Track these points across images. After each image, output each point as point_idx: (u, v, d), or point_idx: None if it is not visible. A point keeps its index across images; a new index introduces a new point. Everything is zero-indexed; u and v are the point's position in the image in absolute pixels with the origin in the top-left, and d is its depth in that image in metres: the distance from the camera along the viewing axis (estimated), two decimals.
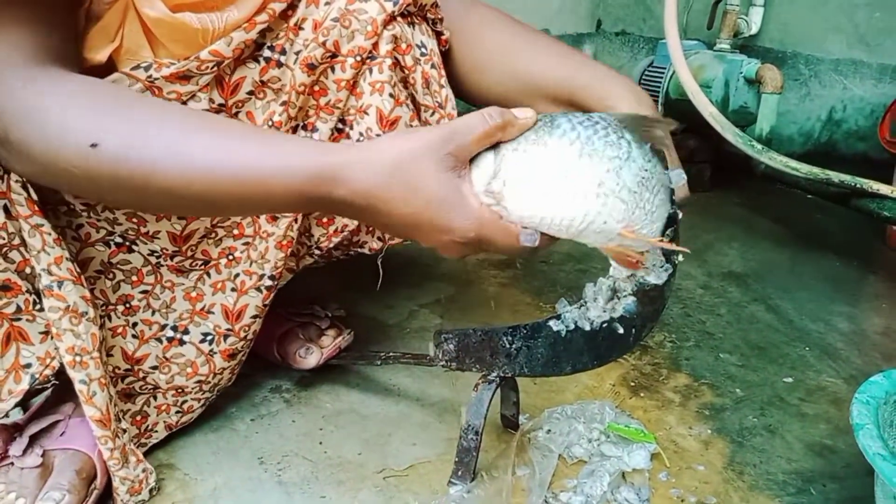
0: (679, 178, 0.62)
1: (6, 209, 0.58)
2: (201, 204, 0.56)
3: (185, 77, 0.62)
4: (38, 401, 0.74)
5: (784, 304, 1.24)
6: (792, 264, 1.43)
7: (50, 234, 0.59)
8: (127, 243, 0.67)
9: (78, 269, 0.62)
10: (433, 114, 0.75)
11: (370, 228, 0.80)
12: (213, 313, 0.72)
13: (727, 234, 1.58)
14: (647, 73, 1.93)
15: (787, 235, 1.59)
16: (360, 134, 0.71)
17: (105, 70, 0.60)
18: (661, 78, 1.82)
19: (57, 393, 0.71)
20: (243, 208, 0.62)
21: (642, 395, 0.94)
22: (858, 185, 1.27)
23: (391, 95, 0.69)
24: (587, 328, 0.67)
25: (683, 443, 0.85)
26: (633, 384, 0.96)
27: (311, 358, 0.85)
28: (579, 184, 0.54)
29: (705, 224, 1.64)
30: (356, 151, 0.55)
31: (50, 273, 0.59)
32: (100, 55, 0.59)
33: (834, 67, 1.85)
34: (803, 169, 1.32)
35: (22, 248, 0.59)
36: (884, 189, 1.25)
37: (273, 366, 0.91)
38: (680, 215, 0.66)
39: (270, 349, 0.87)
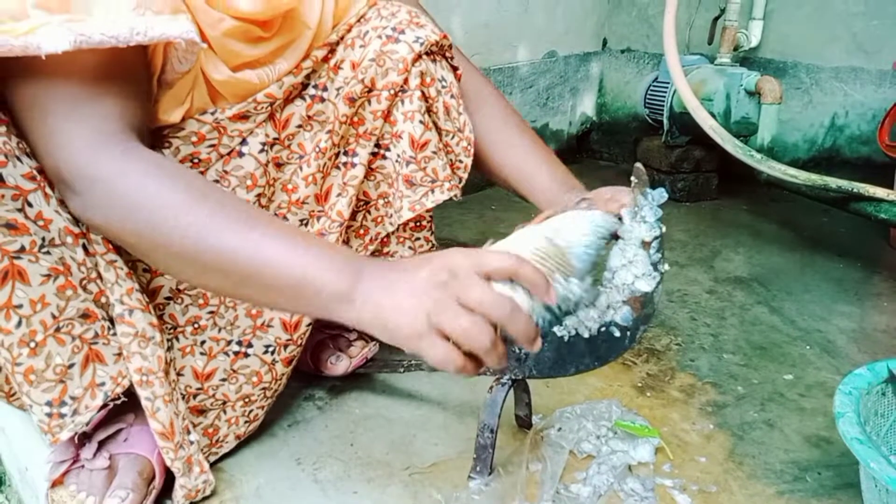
0: (661, 196, 0.69)
1: (84, 247, 0.67)
2: (242, 290, 0.61)
3: (244, 116, 0.73)
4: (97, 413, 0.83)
5: (787, 305, 1.30)
6: (796, 267, 1.48)
7: (122, 269, 0.68)
8: None
9: (146, 299, 0.71)
10: (453, 137, 0.85)
11: (400, 239, 0.90)
12: (272, 327, 0.81)
13: (734, 241, 1.64)
14: (651, 88, 2.00)
15: (792, 239, 1.64)
16: (397, 156, 0.81)
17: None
18: (666, 93, 1.89)
19: (119, 404, 0.80)
20: (267, 300, 0.64)
21: (648, 394, 1.00)
22: (854, 190, 1.33)
23: (421, 122, 0.80)
24: (587, 334, 0.74)
25: (686, 437, 0.91)
26: (639, 385, 1.03)
27: (340, 365, 0.93)
28: None
29: (713, 231, 1.70)
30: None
31: (122, 303, 0.68)
32: (172, 117, 0.69)
33: (834, 75, 1.90)
34: (801, 176, 1.38)
35: (98, 281, 0.68)
36: (879, 192, 1.31)
37: (306, 377, 0.99)
38: (664, 229, 0.71)
39: (304, 358, 0.96)
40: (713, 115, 1.71)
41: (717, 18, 1.91)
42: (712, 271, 1.46)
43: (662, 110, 1.90)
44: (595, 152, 2.39)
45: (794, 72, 1.96)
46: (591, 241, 0.65)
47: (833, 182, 1.35)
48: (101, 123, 0.60)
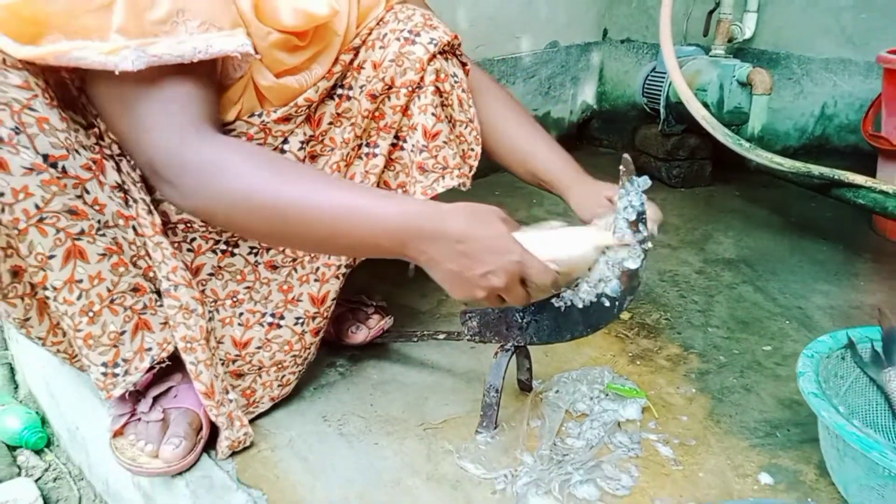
0: (645, 182, 0.78)
1: (134, 228, 0.77)
2: (324, 243, 0.74)
3: (286, 118, 0.84)
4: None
5: (771, 284, 1.40)
6: (782, 249, 1.58)
7: (168, 249, 0.79)
8: (230, 248, 0.86)
9: (190, 276, 0.81)
10: (466, 126, 0.96)
11: None
12: (301, 301, 0.92)
13: (725, 225, 1.73)
14: (649, 78, 2.08)
15: (781, 224, 1.74)
16: (412, 145, 0.91)
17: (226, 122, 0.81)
18: (663, 83, 1.97)
19: (168, 365, 0.90)
20: (350, 248, 0.78)
21: (638, 363, 1.11)
22: (835, 177, 1.42)
23: (433, 114, 0.90)
24: (580, 305, 0.84)
25: (671, 399, 1.01)
26: (631, 355, 1.13)
27: (359, 334, 1.04)
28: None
29: (705, 216, 1.79)
30: (454, 215, 0.71)
31: (168, 279, 0.78)
32: (227, 116, 0.80)
33: (824, 66, 1.98)
34: (786, 163, 1.47)
35: (146, 258, 0.78)
36: (858, 179, 1.40)
37: (328, 345, 1.09)
38: (647, 212, 0.81)
39: (327, 328, 1.06)
40: (707, 105, 1.80)
41: (712, 11, 1.99)
42: (703, 253, 1.56)
43: (659, 100, 1.98)
44: (595, 139, 2.47)
45: (786, 62, 2.05)
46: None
47: (815, 169, 1.44)
48: (183, 117, 0.69)
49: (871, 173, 1.63)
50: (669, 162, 2.00)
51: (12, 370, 1.39)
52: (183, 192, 0.70)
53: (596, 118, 2.48)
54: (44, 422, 1.25)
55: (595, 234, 0.81)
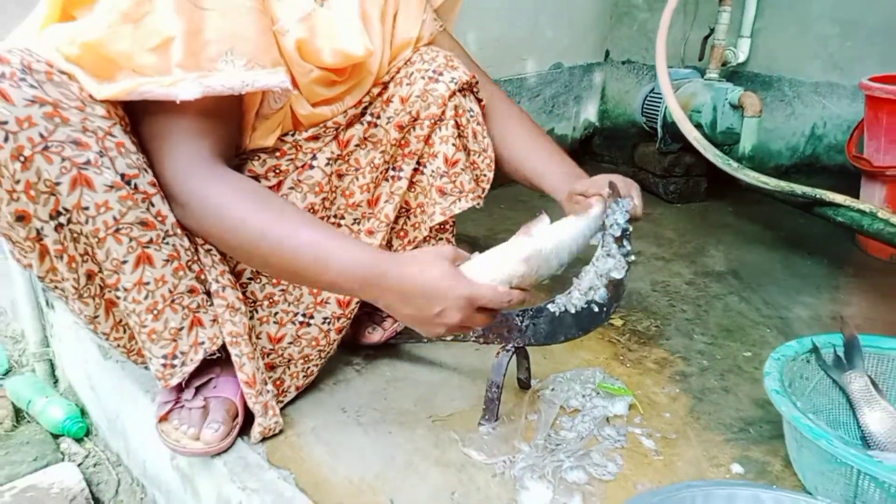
0: (628, 204, 0.89)
1: (189, 237, 0.88)
2: (296, 277, 0.86)
3: (316, 137, 0.96)
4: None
5: (756, 295, 1.50)
6: (769, 263, 1.68)
7: (216, 255, 0.90)
8: None
9: (234, 278, 0.92)
10: (479, 155, 1.08)
11: (427, 239, 1.12)
12: (329, 303, 1.03)
13: (716, 239, 1.84)
14: (648, 98, 2.20)
15: (770, 239, 1.84)
16: (432, 171, 1.04)
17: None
18: (661, 104, 2.08)
19: (207, 360, 1.01)
20: (317, 285, 0.89)
21: (628, 365, 1.21)
22: (817, 196, 1.53)
23: (454, 144, 1.03)
24: (573, 310, 0.95)
25: (655, 398, 1.12)
26: (621, 358, 1.24)
27: (375, 335, 1.16)
28: None
29: (699, 230, 1.90)
30: (395, 265, 0.78)
31: (217, 281, 0.90)
32: (267, 141, 0.92)
33: (814, 89, 2.09)
34: (772, 182, 1.58)
35: (199, 263, 0.90)
36: (838, 198, 1.50)
37: (346, 345, 1.20)
38: (630, 229, 0.92)
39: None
40: (702, 126, 1.92)
41: (707, 37, 2.11)
42: (694, 265, 1.66)
43: (657, 119, 2.10)
44: (597, 155, 2.59)
45: (778, 85, 2.16)
46: (578, 244, 0.87)
47: (799, 188, 1.55)
48: (197, 152, 0.81)
49: (858, 192, 1.74)
50: (666, 178, 2.11)
51: (52, 366, 1.50)
52: (185, 214, 0.83)
53: (598, 135, 2.59)
54: (83, 413, 1.37)
55: (522, 243, 0.82)
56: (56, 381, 1.50)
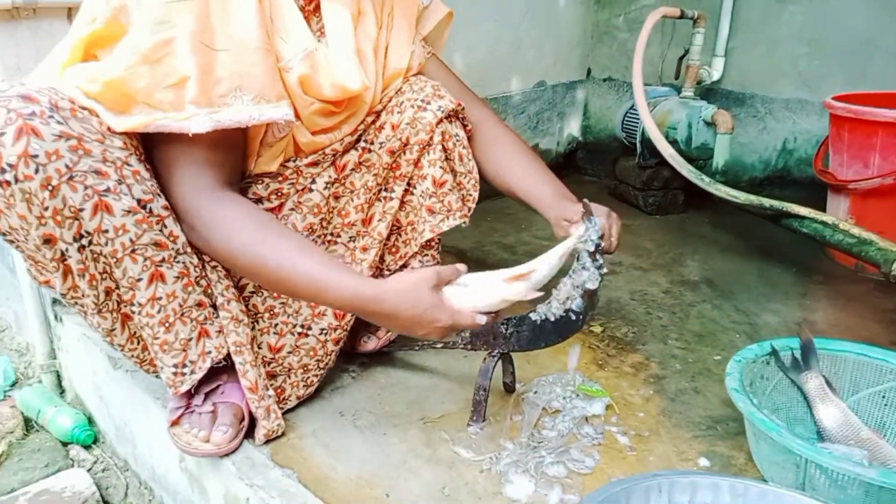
0: (600, 222, 0.98)
1: (197, 254, 0.96)
2: (295, 296, 0.99)
3: (315, 163, 1.05)
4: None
5: (727, 303, 1.59)
6: (742, 272, 1.78)
7: (221, 271, 0.98)
8: None
9: (238, 292, 1.00)
10: (465, 177, 1.17)
11: (414, 255, 1.20)
12: (326, 315, 1.11)
13: (693, 249, 1.93)
14: (628, 115, 2.30)
15: (744, 248, 1.94)
16: (422, 192, 1.13)
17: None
18: (639, 120, 2.18)
19: (215, 368, 1.08)
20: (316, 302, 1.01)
21: (606, 369, 1.30)
22: (783, 209, 1.63)
23: (441, 167, 1.12)
24: (552, 318, 1.04)
25: (631, 399, 1.20)
26: (600, 362, 1.32)
27: (370, 343, 1.24)
28: None
29: (677, 241, 2.00)
30: (383, 290, 0.89)
31: (222, 295, 0.98)
32: (271, 167, 1.00)
33: (785, 106, 2.20)
34: (741, 196, 1.68)
35: (206, 278, 0.97)
36: (802, 211, 1.60)
37: (343, 354, 1.28)
38: (602, 245, 1.00)
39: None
40: (678, 142, 2.02)
41: (682, 57, 2.21)
42: (670, 275, 1.75)
43: (636, 135, 2.20)
44: (580, 168, 2.69)
45: (751, 102, 2.27)
46: (554, 263, 0.98)
47: (766, 202, 1.65)
48: (207, 179, 0.90)
49: (825, 203, 1.84)
50: (645, 191, 2.20)
51: (58, 377, 1.57)
52: (194, 236, 0.91)
53: (581, 149, 2.70)
54: (90, 421, 1.44)
55: (506, 287, 0.95)
56: (63, 392, 1.57)
